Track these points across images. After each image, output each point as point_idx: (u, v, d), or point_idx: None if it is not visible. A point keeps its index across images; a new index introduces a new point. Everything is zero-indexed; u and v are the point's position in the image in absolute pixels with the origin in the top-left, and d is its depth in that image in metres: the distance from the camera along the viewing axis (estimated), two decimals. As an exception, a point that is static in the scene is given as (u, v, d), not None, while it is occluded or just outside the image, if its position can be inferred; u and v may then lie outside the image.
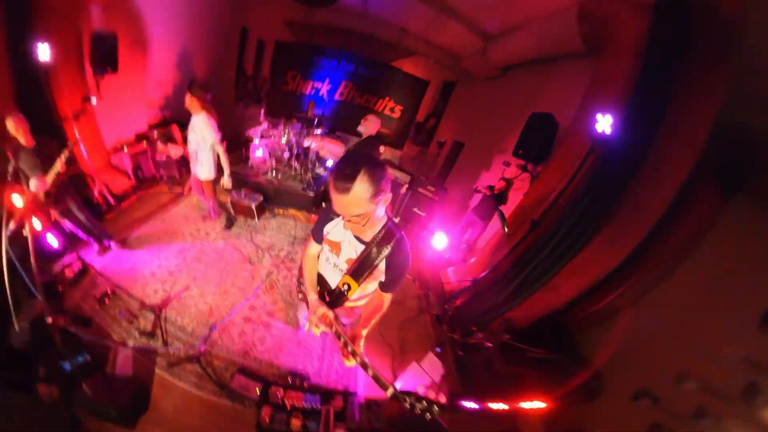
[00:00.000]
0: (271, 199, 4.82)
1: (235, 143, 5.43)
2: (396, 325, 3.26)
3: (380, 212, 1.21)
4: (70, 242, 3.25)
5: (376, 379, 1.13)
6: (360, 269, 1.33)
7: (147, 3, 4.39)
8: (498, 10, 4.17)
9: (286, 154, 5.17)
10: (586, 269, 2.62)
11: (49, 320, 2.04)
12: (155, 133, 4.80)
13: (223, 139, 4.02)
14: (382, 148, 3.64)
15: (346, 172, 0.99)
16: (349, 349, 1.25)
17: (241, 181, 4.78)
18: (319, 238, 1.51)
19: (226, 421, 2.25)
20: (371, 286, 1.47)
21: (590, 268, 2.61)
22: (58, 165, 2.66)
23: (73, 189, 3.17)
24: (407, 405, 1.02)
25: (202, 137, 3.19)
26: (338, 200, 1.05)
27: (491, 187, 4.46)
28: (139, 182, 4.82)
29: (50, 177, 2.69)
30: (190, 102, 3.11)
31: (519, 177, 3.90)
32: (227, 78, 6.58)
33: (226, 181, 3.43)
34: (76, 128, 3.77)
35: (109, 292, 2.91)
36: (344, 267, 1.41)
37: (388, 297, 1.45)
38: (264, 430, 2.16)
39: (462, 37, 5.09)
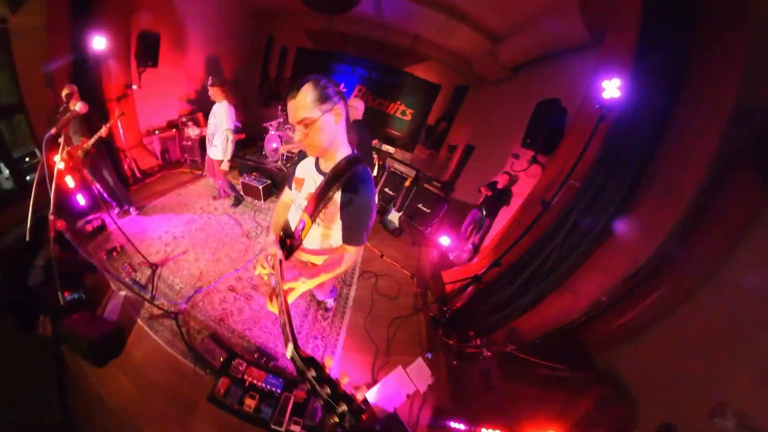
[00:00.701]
0: (279, 185, 4.98)
1: (255, 137, 5.88)
2: (385, 321, 3.00)
3: (337, 133, 1.17)
4: (95, 204, 3.58)
5: (283, 331, 0.94)
6: (316, 203, 1.22)
7: (188, 11, 5.09)
8: (504, 9, 4.24)
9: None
10: (610, 264, 2.16)
11: (56, 250, 2.22)
12: (183, 119, 5.36)
13: (241, 131, 4.69)
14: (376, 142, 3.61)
15: (295, 83, 1.05)
16: (276, 291, 1.09)
17: (252, 167, 5.14)
18: (290, 183, 1.46)
19: (184, 383, 2.18)
20: (331, 236, 1.37)
21: (615, 262, 2.14)
22: (102, 130, 3.10)
23: (107, 156, 3.61)
24: (307, 384, 0.71)
25: (220, 122, 3.47)
26: (289, 107, 1.08)
27: (494, 183, 4.30)
28: (165, 163, 5.30)
29: (92, 141, 3.15)
30: (213, 91, 3.40)
31: (527, 170, 3.71)
32: (252, 79, 7.22)
33: (224, 164, 3.66)
34: (117, 109, 4.20)
35: (118, 248, 3.22)
36: (304, 204, 1.31)
37: (349, 252, 1.28)
38: (215, 401, 2.04)
39: (472, 40, 5.19)
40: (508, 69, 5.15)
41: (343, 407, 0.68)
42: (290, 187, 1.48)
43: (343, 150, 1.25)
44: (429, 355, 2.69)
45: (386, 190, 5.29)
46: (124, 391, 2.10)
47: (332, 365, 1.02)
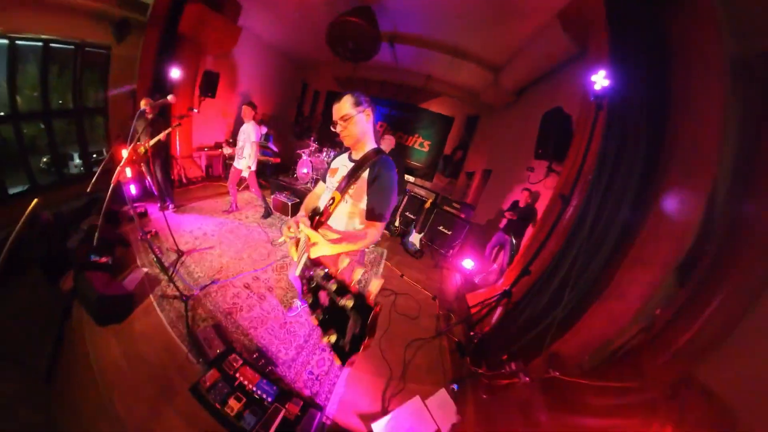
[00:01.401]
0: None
1: (288, 164, 6.74)
2: (402, 342, 2.55)
3: (367, 129, 1.46)
4: (144, 194, 4.16)
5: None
6: (347, 182, 1.40)
7: (242, 60, 6.37)
8: (499, 42, 4.64)
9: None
10: (654, 254, 1.78)
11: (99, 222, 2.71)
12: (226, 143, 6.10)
13: (277, 156, 5.70)
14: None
15: (339, 95, 1.42)
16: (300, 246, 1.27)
17: (284, 186, 5.54)
18: (324, 176, 1.68)
19: (172, 367, 2.01)
20: (356, 214, 1.48)
21: (659, 249, 1.78)
22: (162, 135, 3.50)
23: (162, 159, 4.16)
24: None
25: (249, 137, 3.97)
26: (334, 108, 1.42)
27: (515, 204, 4.07)
28: (207, 176, 6.05)
29: (153, 141, 3.53)
30: (245, 110, 3.95)
31: (545, 182, 3.58)
32: (288, 116, 8.37)
33: (252, 167, 4.11)
34: (175, 120, 4.87)
35: (153, 232, 3.49)
36: (336, 185, 1.47)
37: (371, 229, 1.37)
38: (197, 393, 1.78)
39: (476, 73, 5.69)
40: (512, 94, 5.44)
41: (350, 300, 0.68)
42: (324, 180, 1.69)
43: (371, 143, 1.50)
44: (455, 387, 2.19)
45: (407, 213, 5.24)
46: (112, 358, 2.01)
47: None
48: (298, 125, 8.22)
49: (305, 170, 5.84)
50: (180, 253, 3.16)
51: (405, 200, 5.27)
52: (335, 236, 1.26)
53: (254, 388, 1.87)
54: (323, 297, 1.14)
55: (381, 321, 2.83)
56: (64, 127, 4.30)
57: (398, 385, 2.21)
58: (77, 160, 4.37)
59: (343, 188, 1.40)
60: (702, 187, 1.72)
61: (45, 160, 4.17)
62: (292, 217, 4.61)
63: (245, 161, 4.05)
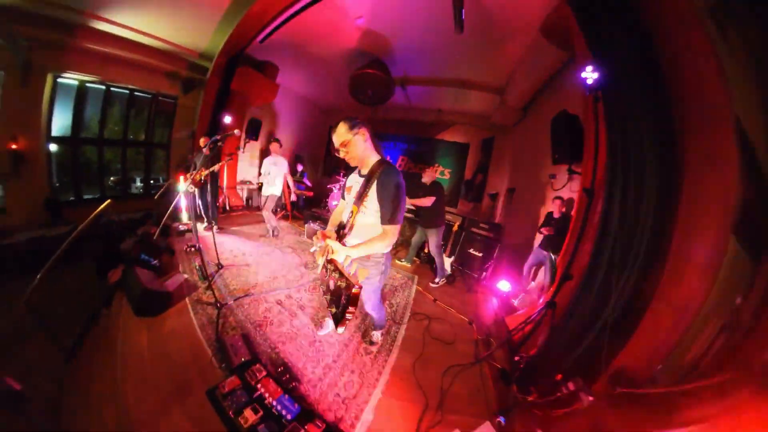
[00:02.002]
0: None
1: (318, 198, 7.26)
2: (439, 368, 2.24)
3: (366, 147, 1.58)
4: (193, 215, 4.67)
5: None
6: (360, 194, 1.55)
7: (281, 110, 7.42)
8: (496, 67, 4.98)
9: None
10: (702, 218, 1.58)
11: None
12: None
13: (310, 190, 6.40)
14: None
15: (335, 123, 1.56)
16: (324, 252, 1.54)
17: (317, 216, 5.73)
18: (343, 194, 1.82)
19: (194, 367, 1.93)
20: (373, 225, 1.57)
21: (710, 211, 1.57)
22: (215, 167, 4.12)
23: (212, 187, 4.69)
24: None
25: (278, 168, 4.37)
26: (333, 137, 1.57)
27: (549, 216, 3.74)
28: (247, 206, 6.73)
29: (207, 171, 4.14)
30: (274, 146, 4.41)
31: (569, 186, 3.48)
32: (318, 156, 9.26)
33: (293, 197, 4.55)
34: (226, 156, 5.62)
35: (196, 245, 3.57)
36: (353, 200, 1.63)
37: (387, 232, 1.50)
38: (213, 397, 1.65)
39: (482, 98, 5.94)
40: (519, 110, 5.55)
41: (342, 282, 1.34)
42: (343, 197, 1.83)
43: (374, 157, 1.61)
44: (501, 420, 1.81)
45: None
46: (137, 347, 2.04)
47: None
48: (328, 163, 9.00)
49: (335, 202, 6.04)
50: (219, 266, 3.29)
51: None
52: (355, 242, 1.57)
53: (274, 402, 1.66)
54: (332, 283, 1.63)
55: (414, 345, 2.51)
56: (134, 156, 5.50)
57: (435, 416, 1.86)
58: (138, 183, 5.50)
59: (357, 201, 1.56)
60: (724, 129, 1.54)
61: (113, 179, 5.22)
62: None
63: (274, 188, 4.36)
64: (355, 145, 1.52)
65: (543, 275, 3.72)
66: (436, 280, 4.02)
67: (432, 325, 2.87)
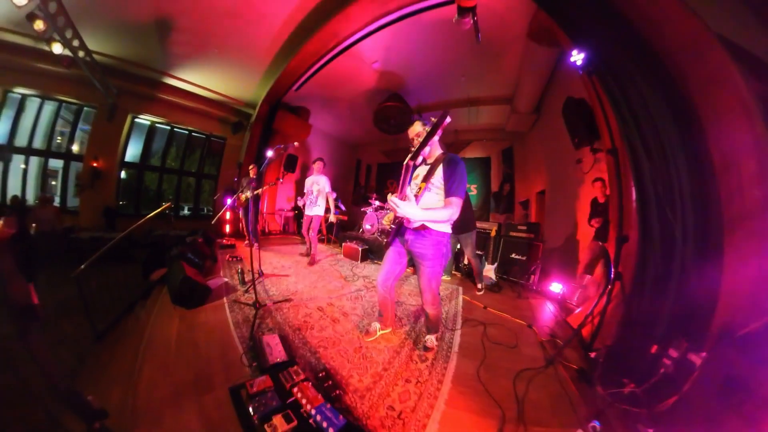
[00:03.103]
0: (375, 252, 4.92)
1: (351, 223, 7.34)
2: (508, 374, 1.82)
3: (433, 141, 1.70)
4: (234, 232, 5.29)
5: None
6: (428, 174, 1.67)
7: (313, 146, 7.95)
8: (499, 78, 5.15)
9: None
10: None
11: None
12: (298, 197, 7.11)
13: (344, 213, 6.44)
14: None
15: (409, 121, 1.81)
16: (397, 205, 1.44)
17: (353, 237, 5.54)
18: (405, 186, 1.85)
19: (219, 363, 1.68)
20: (434, 197, 1.68)
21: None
22: (260, 191, 4.14)
23: (254, 210, 4.76)
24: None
25: (321, 188, 4.13)
26: (409, 131, 1.77)
27: (594, 202, 3.29)
28: (284, 231, 7.13)
29: (251, 193, 4.17)
30: (317, 165, 4.18)
31: (597, 166, 3.31)
32: (348, 186, 9.69)
33: (331, 216, 4.30)
34: (268, 183, 6.02)
35: (238, 257, 3.95)
36: (419, 181, 1.71)
37: (451, 200, 1.58)
38: (236, 396, 1.34)
39: (494, 111, 6.07)
40: (531, 114, 5.51)
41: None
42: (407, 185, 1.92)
43: (438, 150, 1.78)
44: (596, 424, 1.35)
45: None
46: (165, 335, 1.91)
47: None
48: (356, 193, 9.23)
49: (369, 225, 5.88)
50: (260, 273, 3.18)
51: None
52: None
53: (313, 412, 1.25)
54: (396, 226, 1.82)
55: (473, 351, 2.07)
56: (185, 188, 6.50)
57: (517, 429, 1.41)
58: (186, 211, 6.63)
59: (425, 178, 1.65)
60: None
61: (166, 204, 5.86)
62: (362, 258, 4.60)
63: (318, 208, 4.08)
64: (432, 145, 1.70)
65: (600, 268, 3.08)
66: (479, 286, 3.51)
67: (489, 330, 2.42)
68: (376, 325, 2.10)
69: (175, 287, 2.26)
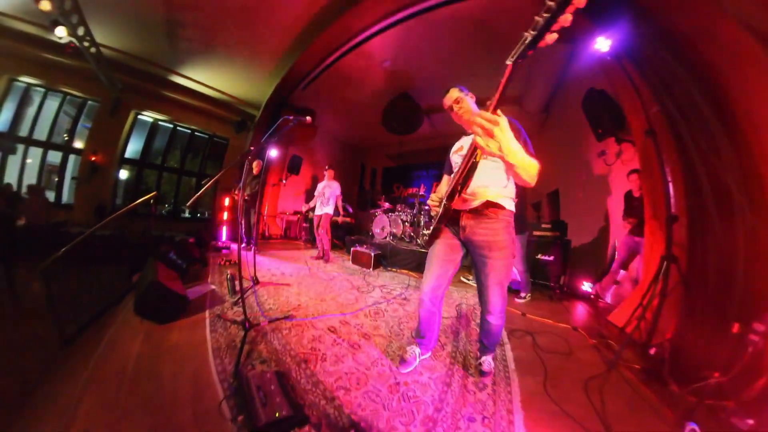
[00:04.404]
0: (387, 258, 4.21)
1: (358, 227, 7.03)
2: (575, 385, 1.43)
3: (473, 106, 1.42)
4: (231, 235, 4.77)
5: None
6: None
7: (318, 149, 7.49)
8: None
9: (400, 227, 5.13)
10: None
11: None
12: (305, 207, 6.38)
13: (352, 216, 6.21)
14: None
15: (445, 88, 1.47)
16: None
17: (362, 242, 4.80)
18: (449, 169, 1.55)
19: (192, 411, 1.05)
20: (493, 167, 1.27)
21: None
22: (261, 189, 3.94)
23: (254, 212, 4.34)
24: None
25: (332, 191, 4.14)
26: (445, 99, 1.45)
27: (629, 196, 2.94)
28: (285, 236, 6.42)
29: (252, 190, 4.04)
30: (330, 173, 4.25)
31: (622, 157, 3.20)
32: (353, 192, 9.02)
33: (340, 218, 3.96)
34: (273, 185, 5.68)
35: (231, 261, 3.38)
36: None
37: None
38: None
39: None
40: (542, 113, 5.17)
41: None
42: (448, 173, 1.56)
43: None
44: (693, 426, 1.09)
45: None
46: (123, 355, 1.36)
47: None
48: (360, 197, 8.68)
49: (380, 229, 5.36)
50: (255, 281, 2.48)
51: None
52: (479, 189, 1.25)
53: None
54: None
55: (530, 365, 1.64)
56: (185, 188, 5.96)
57: None
58: (187, 213, 6.03)
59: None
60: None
61: (167, 206, 5.65)
62: (374, 265, 3.89)
63: (328, 208, 4.07)
64: (467, 102, 1.41)
65: (638, 263, 2.75)
66: (522, 294, 2.93)
67: (537, 339, 2.02)
68: (415, 350, 1.46)
69: (140, 293, 1.66)
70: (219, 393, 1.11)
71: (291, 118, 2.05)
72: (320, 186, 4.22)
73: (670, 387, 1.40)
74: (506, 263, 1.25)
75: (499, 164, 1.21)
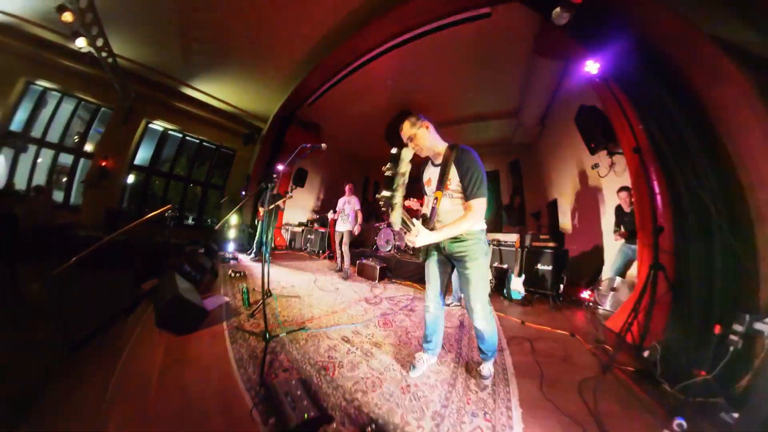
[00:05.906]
0: (392, 270, 4.36)
1: (361, 240, 6.83)
2: (570, 387, 1.55)
3: (432, 138, 1.44)
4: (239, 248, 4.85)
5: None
6: (441, 178, 1.39)
7: (322, 162, 7.48)
8: (504, 93, 5.05)
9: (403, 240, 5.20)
10: None
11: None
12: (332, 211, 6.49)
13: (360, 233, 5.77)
14: None
15: (399, 122, 1.43)
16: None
17: (367, 255, 4.92)
18: (424, 191, 1.63)
19: (221, 419, 1.13)
20: (455, 204, 1.40)
21: None
22: (280, 202, 4.16)
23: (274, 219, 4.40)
24: None
25: (351, 206, 4.21)
26: (401, 135, 1.44)
27: (619, 211, 3.12)
28: (290, 247, 6.54)
29: (271, 206, 3.96)
30: (350, 188, 4.40)
31: (614, 169, 3.40)
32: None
33: (356, 229, 4.12)
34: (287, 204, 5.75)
35: (241, 273, 3.44)
36: (434, 190, 1.44)
37: (471, 205, 1.30)
38: None
39: (501, 125, 5.93)
40: (537, 126, 5.31)
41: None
42: (425, 193, 1.62)
43: (442, 145, 1.45)
44: (680, 420, 1.22)
45: (495, 265, 4.11)
46: (144, 367, 1.38)
47: None
48: (364, 210, 8.80)
49: (384, 241, 5.49)
50: (268, 293, 2.50)
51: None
52: (439, 226, 1.39)
53: None
54: None
55: (528, 369, 1.77)
56: (190, 195, 6.02)
57: None
58: (191, 221, 6.16)
59: (439, 186, 1.38)
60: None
61: (171, 213, 5.39)
62: (380, 277, 4.07)
63: (347, 224, 4.14)
64: (422, 137, 1.41)
65: (635, 271, 2.84)
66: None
67: (535, 345, 2.14)
68: (423, 355, 1.61)
69: (161, 307, 1.68)
70: (248, 401, 1.20)
71: (308, 146, 2.22)
72: (341, 202, 4.28)
73: (662, 386, 1.53)
74: (482, 273, 1.39)
75: (459, 200, 1.37)
